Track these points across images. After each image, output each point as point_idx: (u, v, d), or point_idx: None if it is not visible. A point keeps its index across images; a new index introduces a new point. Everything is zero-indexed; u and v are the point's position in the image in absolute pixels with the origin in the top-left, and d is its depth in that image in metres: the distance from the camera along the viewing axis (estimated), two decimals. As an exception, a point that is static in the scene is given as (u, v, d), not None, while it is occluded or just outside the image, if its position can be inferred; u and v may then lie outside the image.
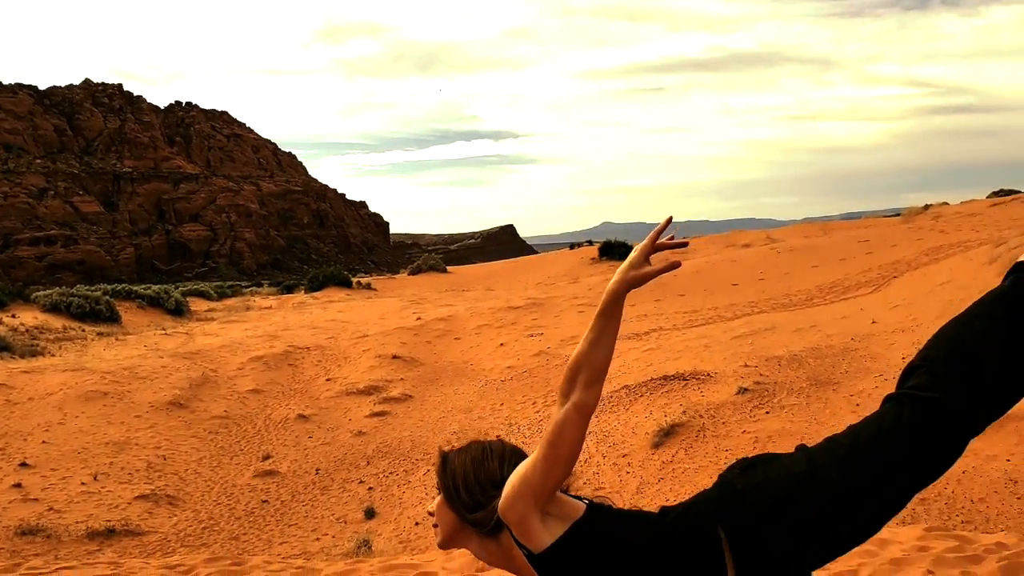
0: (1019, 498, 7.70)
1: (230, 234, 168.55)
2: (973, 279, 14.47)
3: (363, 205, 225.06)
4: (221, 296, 40.17)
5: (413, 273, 47.13)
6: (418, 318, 23.17)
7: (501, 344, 19.48)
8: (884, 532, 5.48)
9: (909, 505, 8.27)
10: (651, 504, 11.15)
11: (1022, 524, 6.97)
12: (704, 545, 1.94)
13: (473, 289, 38.07)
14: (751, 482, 1.99)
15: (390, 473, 13.19)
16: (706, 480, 10.42)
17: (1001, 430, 9.63)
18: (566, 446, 1.99)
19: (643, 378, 13.88)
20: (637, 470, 11.91)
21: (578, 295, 24.74)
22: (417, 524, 11.37)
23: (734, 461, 2.18)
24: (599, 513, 2.06)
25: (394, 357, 18.78)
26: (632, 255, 2.11)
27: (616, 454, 12.25)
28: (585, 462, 11.91)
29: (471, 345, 20.06)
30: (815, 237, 33.35)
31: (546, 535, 1.97)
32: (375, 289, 39.80)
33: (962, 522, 7.43)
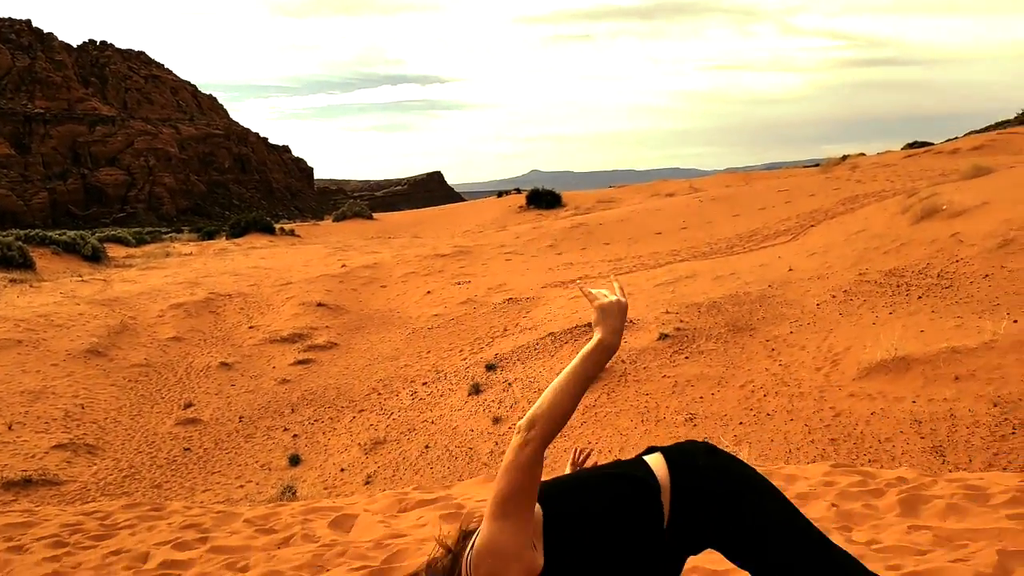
0: (923, 437, 8.07)
1: (148, 179, 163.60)
2: (887, 228, 14.95)
3: (286, 150, 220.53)
4: (140, 242, 39.12)
5: (338, 220, 46.46)
6: (343, 265, 22.98)
7: (428, 292, 19.47)
8: (792, 469, 5.72)
9: (819, 445, 8.59)
10: (574, 446, 11.40)
11: (924, 460, 7.34)
12: (650, 500, 2.10)
13: (400, 236, 37.83)
14: (713, 464, 2.17)
15: (315, 420, 13.19)
16: (627, 423, 10.69)
17: (907, 373, 10.05)
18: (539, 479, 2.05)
19: (568, 325, 14.07)
20: (561, 415, 12.15)
21: (505, 243, 24.78)
22: (343, 471, 11.42)
23: (696, 440, 2.33)
24: (549, 500, 2.12)
25: (319, 305, 18.63)
26: (618, 320, 2.12)
27: (540, 399, 12.46)
28: (511, 407, 12.08)
29: (397, 293, 20.01)
30: (737, 187, 33.92)
31: (539, 556, 2.01)
32: (299, 236, 39.22)
33: (869, 460, 7.77)
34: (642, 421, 10.69)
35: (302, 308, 18.44)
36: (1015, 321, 9.72)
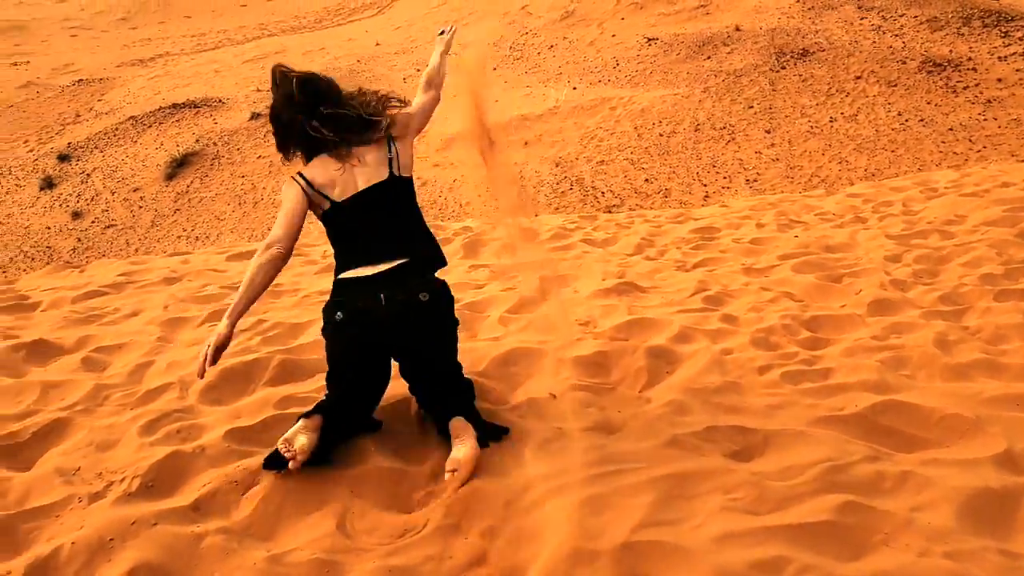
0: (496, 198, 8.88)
1: None
2: (464, 1, 15.53)
3: None
4: None
5: None
6: None
7: (-24, 75, 16.92)
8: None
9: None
10: (169, 236, 11.02)
11: (492, 215, 8.18)
12: None
13: (-68, 9, 31.82)
14: None
15: None
16: (223, 207, 10.51)
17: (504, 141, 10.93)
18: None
19: (150, 108, 13.12)
20: (151, 203, 11.52)
21: (69, 16, 21.94)
22: None
23: None
24: None
25: None
26: None
27: (126, 189, 11.67)
28: (92, 200, 11.24)
29: (-64, 77, 17.13)
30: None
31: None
32: None
33: (449, 221, 8.50)
34: (239, 204, 10.55)
35: None
36: (574, 88, 10.82)
